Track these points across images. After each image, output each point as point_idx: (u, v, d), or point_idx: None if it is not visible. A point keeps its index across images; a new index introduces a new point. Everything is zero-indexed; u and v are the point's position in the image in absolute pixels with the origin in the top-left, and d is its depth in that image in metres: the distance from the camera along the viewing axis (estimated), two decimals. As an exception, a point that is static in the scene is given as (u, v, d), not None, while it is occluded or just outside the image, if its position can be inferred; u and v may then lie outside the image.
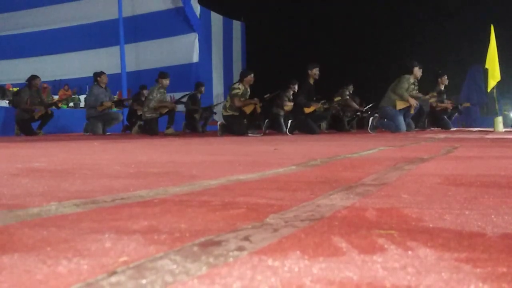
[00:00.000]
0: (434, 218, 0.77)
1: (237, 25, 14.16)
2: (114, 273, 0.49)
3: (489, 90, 8.19)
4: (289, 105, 8.48)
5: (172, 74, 10.14)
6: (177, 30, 11.11)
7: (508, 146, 3.17)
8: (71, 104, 9.53)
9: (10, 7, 11.89)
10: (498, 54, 7.72)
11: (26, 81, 7.66)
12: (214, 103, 10.09)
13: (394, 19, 16.12)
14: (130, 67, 10.21)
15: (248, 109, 6.54)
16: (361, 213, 0.82)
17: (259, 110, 6.66)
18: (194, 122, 8.99)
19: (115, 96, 8.95)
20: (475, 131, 8.14)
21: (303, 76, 7.12)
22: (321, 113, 7.35)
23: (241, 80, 6.68)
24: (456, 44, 15.52)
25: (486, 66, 7.89)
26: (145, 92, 8.36)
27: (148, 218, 0.78)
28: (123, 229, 0.69)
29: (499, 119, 7.75)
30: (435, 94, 8.06)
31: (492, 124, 8.26)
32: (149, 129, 7.26)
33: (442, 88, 8.63)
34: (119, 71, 9.68)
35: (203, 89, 9.13)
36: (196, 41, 11.20)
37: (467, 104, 10.54)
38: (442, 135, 5.33)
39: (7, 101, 8.31)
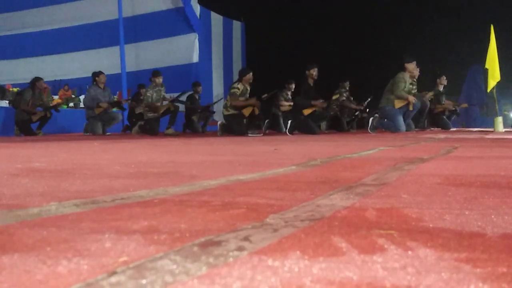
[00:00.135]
0: (434, 218, 0.77)
1: (237, 25, 14.16)
2: (114, 273, 0.49)
3: (489, 90, 8.19)
4: (285, 105, 8.48)
5: (172, 74, 10.16)
6: (177, 30, 11.11)
7: (508, 146, 3.17)
8: (71, 104, 9.53)
9: (11, 7, 11.88)
10: (498, 54, 7.72)
11: (29, 82, 7.69)
12: (213, 102, 10.08)
13: (394, 19, 16.13)
14: (130, 67, 10.21)
15: (246, 112, 6.54)
16: (361, 213, 0.82)
17: (257, 111, 6.66)
18: (192, 122, 8.98)
19: (115, 96, 8.94)
20: (475, 131, 8.14)
21: (302, 76, 7.12)
22: (320, 113, 7.35)
23: (240, 79, 6.68)
24: (456, 44, 15.53)
25: (486, 66, 7.89)
26: (143, 91, 8.38)
27: (148, 218, 0.78)
28: (123, 229, 0.69)
29: (499, 119, 7.75)
30: (431, 93, 8.06)
31: (492, 124, 8.26)
32: (150, 129, 7.26)
33: (441, 89, 8.63)
34: (119, 71, 9.68)
35: (200, 89, 9.12)
36: (196, 41, 11.20)
37: (465, 105, 10.55)
38: (442, 135, 5.33)
39: (7, 101, 8.32)
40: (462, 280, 0.47)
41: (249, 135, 6.44)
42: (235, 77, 9.93)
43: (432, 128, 8.66)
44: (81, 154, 2.63)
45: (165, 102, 7.50)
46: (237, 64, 13.68)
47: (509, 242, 0.61)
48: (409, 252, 0.56)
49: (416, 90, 7.31)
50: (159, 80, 7.35)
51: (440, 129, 8.63)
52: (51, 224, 0.73)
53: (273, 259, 0.53)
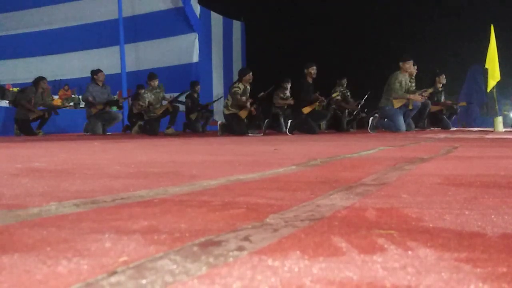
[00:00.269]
0: (434, 218, 0.77)
1: (237, 25, 14.15)
2: (114, 273, 0.49)
3: (489, 90, 8.19)
4: (280, 102, 8.47)
5: (172, 74, 10.16)
6: (177, 30, 11.10)
7: (508, 146, 3.17)
8: (71, 104, 9.53)
9: (11, 7, 11.87)
10: (498, 54, 7.72)
11: (33, 81, 7.71)
12: (212, 101, 10.07)
13: (394, 19, 16.12)
14: (130, 67, 10.21)
15: (243, 114, 6.55)
16: (361, 213, 0.82)
17: (254, 112, 6.67)
18: (192, 122, 8.98)
19: (115, 96, 8.95)
20: (475, 131, 8.14)
21: (301, 75, 7.12)
22: (321, 113, 7.35)
23: (240, 79, 6.69)
24: (456, 44, 15.51)
25: (486, 66, 7.89)
26: (142, 91, 8.38)
27: (148, 218, 0.78)
28: (123, 229, 0.69)
29: (499, 119, 7.75)
30: (431, 90, 8.05)
31: (492, 124, 8.26)
32: (150, 129, 7.26)
33: (440, 87, 8.63)
34: (119, 71, 9.67)
35: (198, 88, 9.11)
36: (196, 41, 11.20)
37: (464, 103, 10.54)
38: (442, 135, 5.33)
39: (7, 101, 8.32)
40: (462, 280, 0.47)
41: (249, 135, 6.44)
42: (235, 77, 9.92)
43: (432, 128, 8.66)
44: (81, 154, 2.63)
45: (164, 102, 7.50)
46: (237, 64, 13.67)
47: (509, 242, 0.61)
48: (409, 252, 0.56)
49: (414, 87, 7.33)
50: (155, 83, 7.36)
51: (440, 129, 8.62)
52: (51, 224, 0.73)
53: (273, 259, 0.53)
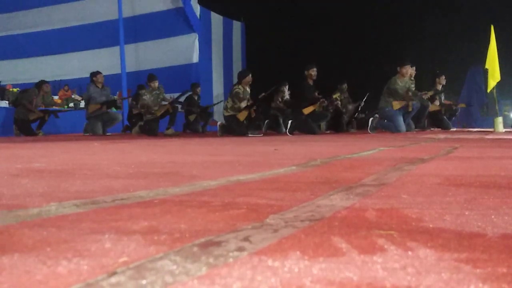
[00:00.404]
0: (434, 218, 0.77)
1: (237, 25, 14.15)
2: (114, 273, 0.49)
3: (489, 90, 8.19)
4: (279, 106, 8.47)
5: (172, 74, 10.15)
6: (177, 30, 11.10)
7: (508, 146, 3.17)
8: (71, 104, 9.53)
9: (11, 7, 11.88)
10: (498, 54, 7.71)
11: (36, 84, 7.86)
12: (212, 103, 10.08)
13: (393, 19, 16.11)
14: (130, 67, 10.20)
15: (241, 116, 6.54)
16: (361, 213, 0.82)
17: (253, 114, 6.66)
18: (192, 122, 8.98)
19: (115, 97, 8.95)
20: (475, 131, 8.13)
21: (302, 77, 7.12)
22: (321, 113, 7.35)
23: (239, 82, 6.69)
24: (456, 44, 15.51)
25: (486, 67, 7.89)
26: (143, 92, 8.38)
27: (148, 218, 0.78)
28: (123, 230, 0.69)
29: (499, 120, 7.75)
30: (431, 93, 8.06)
31: (492, 124, 8.25)
32: (149, 130, 7.26)
33: (440, 88, 8.63)
34: (119, 71, 9.67)
35: (198, 90, 9.12)
36: (196, 41, 11.19)
37: (463, 105, 10.55)
38: (442, 136, 5.33)
39: (7, 102, 8.33)
40: (462, 280, 0.47)
41: (249, 135, 6.44)
42: (235, 77, 9.93)
43: (432, 129, 8.66)
44: (81, 154, 2.63)
45: (165, 103, 7.50)
46: (237, 64, 13.67)
47: (509, 243, 0.61)
48: (409, 253, 0.56)
49: (414, 88, 7.35)
50: (155, 84, 7.39)
51: (440, 129, 8.62)
52: (51, 225, 0.73)
53: (273, 260, 0.53)
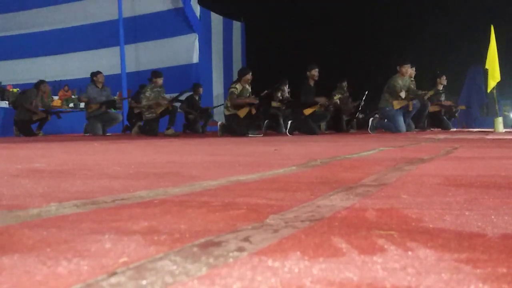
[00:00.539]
0: (434, 218, 0.77)
1: (237, 26, 14.15)
2: (114, 274, 0.49)
3: (489, 90, 8.19)
4: (277, 104, 8.47)
5: (172, 74, 10.14)
6: (177, 30, 11.10)
7: (508, 146, 3.17)
8: (71, 105, 9.53)
9: (11, 8, 11.88)
10: (498, 54, 7.71)
11: (35, 84, 7.84)
12: (213, 106, 10.08)
13: (393, 19, 16.11)
14: (130, 67, 10.21)
15: (242, 113, 6.52)
16: (361, 213, 0.82)
17: (254, 111, 6.64)
18: (192, 123, 8.98)
19: (115, 97, 8.95)
20: (475, 131, 8.13)
21: (303, 77, 7.12)
22: (321, 113, 7.35)
23: (239, 80, 6.66)
24: (456, 44, 15.51)
25: (486, 67, 7.89)
26: (144, 90, 8.38)
27: (148, 218, 0.78)
28: (123, 230, 0.69)
29: (499, 120, 7.74)
30: (431, 92, 8.05)
31: (492, 124, 8.25)
32: (149, 130, 7.26)
33: (441, 88, 8.63)
34: (119, 71, 9.67)
35: (200, 90, 9.12)
36: (196, 41, 11.20)
37: (462, 107, 10.55)
38: (442, 136, 5.33)
39: (7, 102, 8.34)
40: (462, 280, 0.47)
41: (249, 135, 6.44)
42: (235, 77, 9.95)
43: (432, 129, 8.66)
44: (81, 154, 2.63)
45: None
46: (237, 64, 13.67)
47: (509, 243, 0.61)
48: (409, 253, 0.56)
49: (414, 87, 7.36)
50: (160, 81, 7.36)
51: (440, 129, 8.62)
52: (51, 225, 0.73)
53: (273, 260, 0.53)
